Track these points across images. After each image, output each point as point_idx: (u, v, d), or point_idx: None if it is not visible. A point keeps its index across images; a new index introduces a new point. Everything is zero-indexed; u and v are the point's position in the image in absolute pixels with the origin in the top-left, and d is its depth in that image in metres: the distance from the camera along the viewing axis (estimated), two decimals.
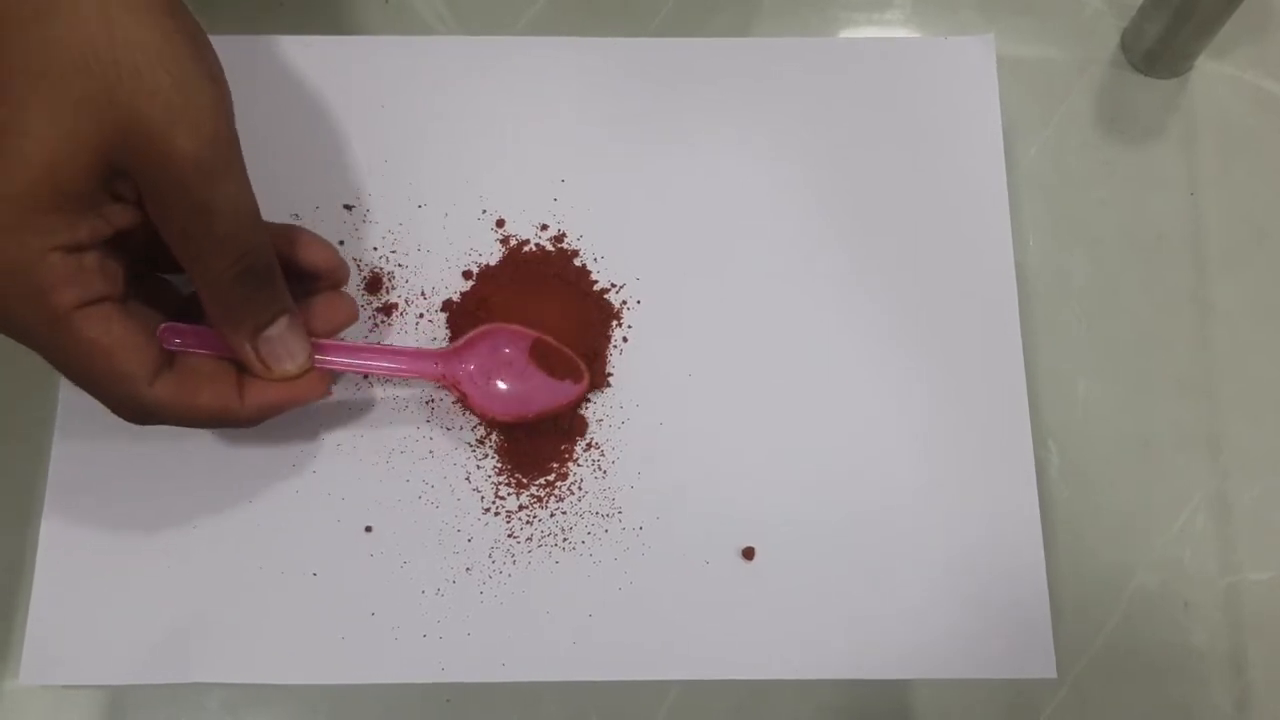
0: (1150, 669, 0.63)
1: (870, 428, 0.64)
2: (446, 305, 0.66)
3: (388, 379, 0.64)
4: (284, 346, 0.55)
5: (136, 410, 0.52)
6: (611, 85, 0.70)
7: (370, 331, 0.65)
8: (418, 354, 0.61)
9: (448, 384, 0.61)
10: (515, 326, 0.62)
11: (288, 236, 0.58)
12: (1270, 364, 0.67)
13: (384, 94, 0.69)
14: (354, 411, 0.64)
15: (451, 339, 0.64)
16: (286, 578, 0.61)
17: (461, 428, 0.64)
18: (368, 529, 0.62)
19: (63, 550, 0.62)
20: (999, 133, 0.69)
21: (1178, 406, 0.66)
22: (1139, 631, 0.63)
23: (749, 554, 0.62)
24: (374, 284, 0.66)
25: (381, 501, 0.62)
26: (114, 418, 0.62)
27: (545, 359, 0.62)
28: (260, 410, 0.56)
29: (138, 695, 0.61)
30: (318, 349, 0.58)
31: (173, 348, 0.54)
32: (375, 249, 0.67)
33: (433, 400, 0.64)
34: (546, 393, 0.62)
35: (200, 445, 0.63)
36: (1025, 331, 0.66)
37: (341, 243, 0.66)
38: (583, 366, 0.63)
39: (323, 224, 0.66)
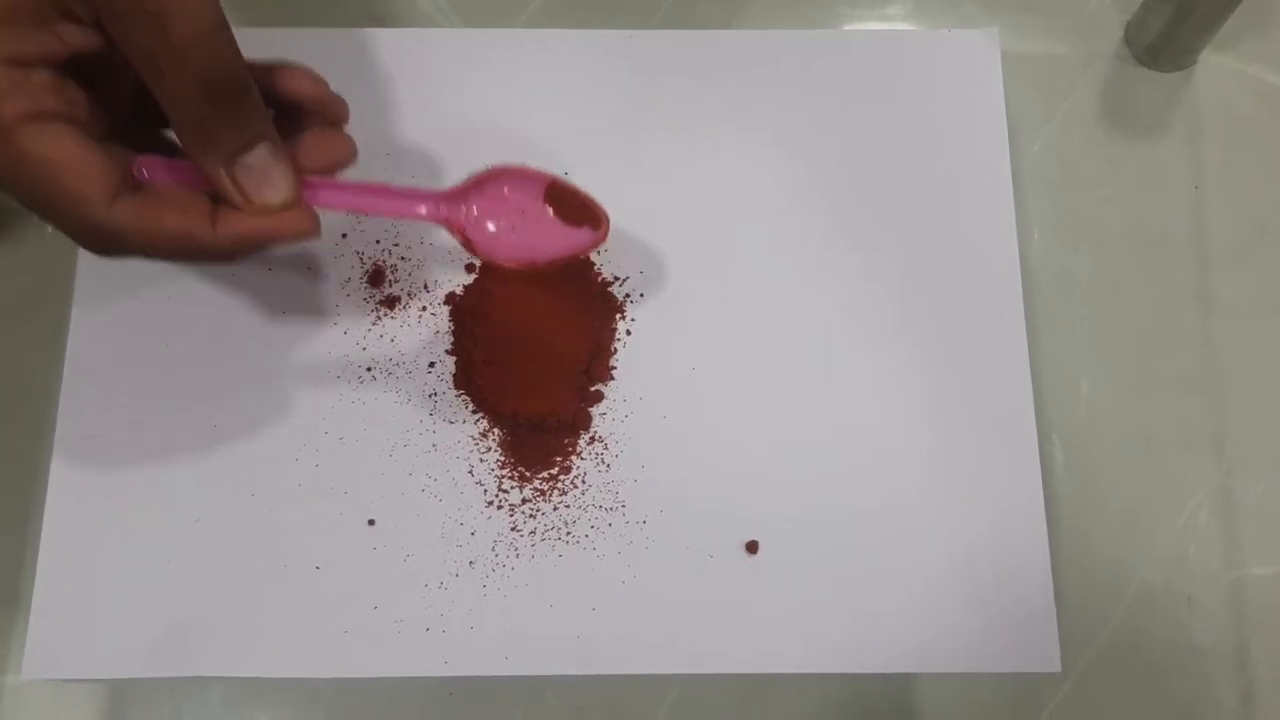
0: (1154, 665, 0.62)
1: (874, 423, 0.64)
2: (449, 298, 0.65)
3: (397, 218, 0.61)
4: (264, 175, 0.51)
5: (96, 236, 0.49)
6: (614, 78, 0.70)
7: (373, 324, 0.65)
8: (418, 194, 0.58)
9: (451, 226, 0.58)
10: (529, 169, 0.60)
11: (266, 68, 0.54)
12: (1274, 360, 0.67)
13: (386, 87, 0.69)
14: (357, 404, 0.64)
15: (454, 333, 0.64)
16: (289, 571, 0.61)
17: (465, 421, 0.63)
18: (370, 522, 0.62)
19: (65, 544, 0.62)
20: (1003, 127, 0.69)
21: (1181, 403, 0.66)
22: (1143, 627, 0.63)
23: (752, 548, 0.62)
24: (376, 277, 0.66)
25: (384, 495, 0.62)
26: (116, 410, 0.62)
27: (561, 204, 0.60)
28: (235, 241, 0.51)
29: (139, 690, 0.61)
30: (305, 185, 0.53)
31: (142, 179, 0.51)
32: (378, 242, 0.67)
33: (435, 393, 0.64)
34: (558, 239, 0.60)
35: (203, 439, 0.63)
36: (1029, 328, 0.66)
37: (344, 235, 0.66)
38: (604, 213, 0.61)
39: (325, 216, 0.64)
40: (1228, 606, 0.63)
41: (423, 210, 0.57)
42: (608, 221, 0.61)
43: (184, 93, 0.48)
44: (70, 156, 0.48)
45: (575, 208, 0.60)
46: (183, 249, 0.51)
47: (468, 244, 0.59)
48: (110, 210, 0.48)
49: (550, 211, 0.60)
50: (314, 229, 0.53)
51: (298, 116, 0.55)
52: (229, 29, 0.48)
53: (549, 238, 0.60)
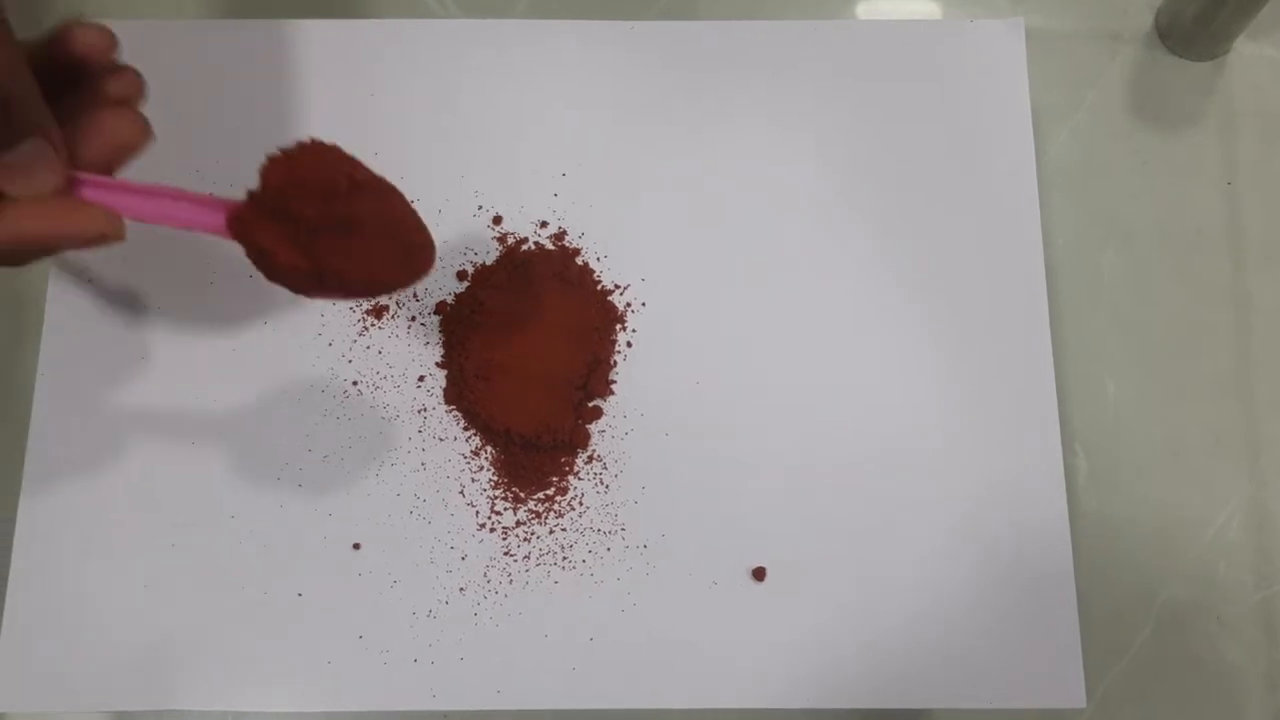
0: (1181, 686, 0.61)
1: (890, 439, 0.63)
2: (440, 308, 0.64)
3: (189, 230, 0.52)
4: (24, 171, 0.46)
5: None
6: (616, 72, 0.68)
7: (359, 335, 0.63)
8: (206, 201, 0.50)
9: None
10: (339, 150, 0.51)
11: (55, 31, 0.50)
12: None
13: (374, 81, 0.68)
14: (342, 421, 0.62)
15: (445, 345, 0.63)
16: (270, 598, 0.60)
17: (456, 438, 0.62)
18: (356, 546, 0.61)
19: (35, 569, 0.60)
20: (1028, 120, 0.67)
21: (1213, 409, 0.65)
22: (1169, 647, 0.62)
23: (759, 574, 0.60)
24: None
25: (371, 517, 0.61)
26: (89, 427, 0.61)
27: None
28: (15, 238, 0.46)
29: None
30: (81, 184, 0.48)
31: None
32: None
33: (425, 409, 0.62)
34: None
35: (180, 459, 0.62)
36: (1053, 330, 0.65)
37: None
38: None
39: None
40: (1259, 626, 0.62)
41: (208, 219, 0.50)
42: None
43: None
44: None
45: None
46: None
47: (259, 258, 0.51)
48: None
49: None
50: (112, 230, 0.48)
51: (91, 87, 0.50)
52: (5, 33, 0.44)
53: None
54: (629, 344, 0.63)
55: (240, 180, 0.64)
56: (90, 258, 0.63)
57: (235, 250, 0.59)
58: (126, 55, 0.65)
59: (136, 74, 0.51)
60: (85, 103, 0.50)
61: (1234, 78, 0.70)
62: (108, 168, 0.50)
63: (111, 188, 0.49)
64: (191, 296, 0.64)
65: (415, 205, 0.63)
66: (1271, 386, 0.65)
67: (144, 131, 0.51)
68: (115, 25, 0.66)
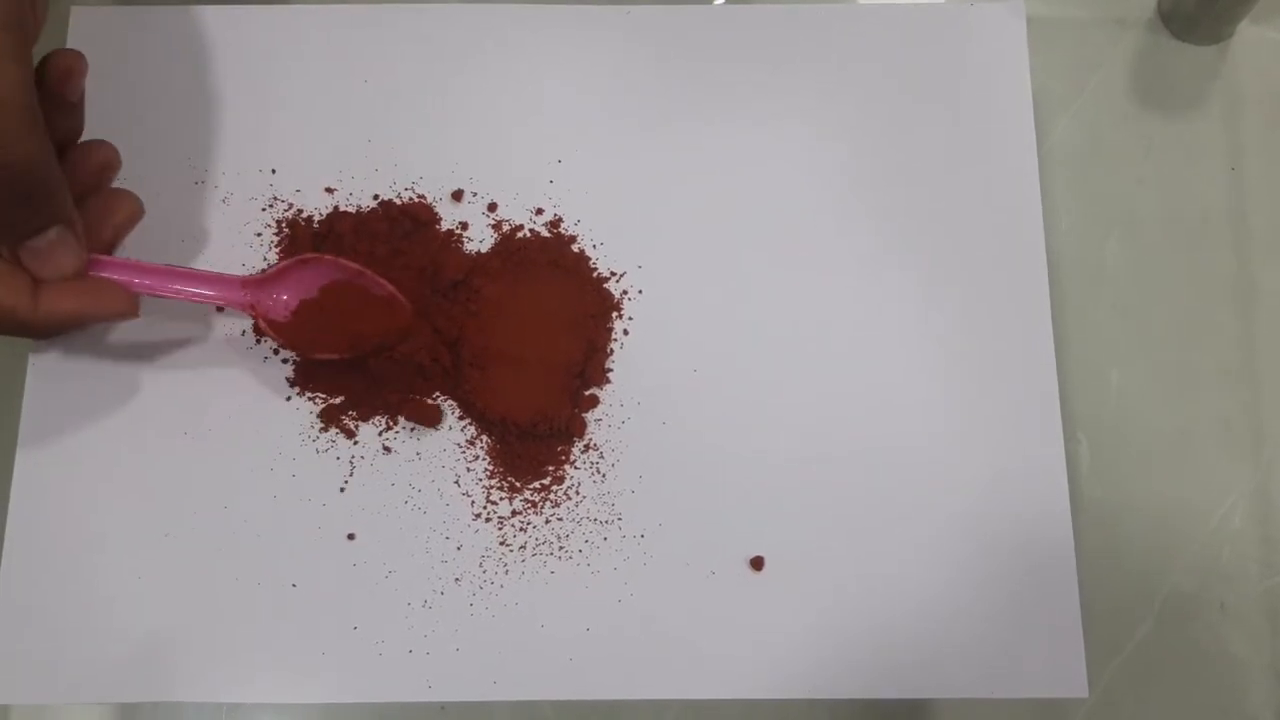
0: (1184, 676, 0.61)
1: (889, 427, 0.62)
2: None
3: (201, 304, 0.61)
4: (48, 258, 0.52)
5: None
6: (612, 57, 0.68)
7: None
8: (221, 279, 0.59)
9: (257, 315, 0.59)
10: (341, 260, 0.60)
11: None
12: None
13: (367, 68, 0.67)
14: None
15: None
16: (263, 589, 0.59)
17: (451, 427, 0.62)
18: (350, 537, 0.60)
19: (26, 559, 0.60)
20: (1029, 105, 0.67)
21: (1217, 397, 0.64)
22: (1172, 636, 0.61)
23: (758, 564, 0.60)
24: None
25: (365, 507, 0.60)
26: (81, 416, 0.61)
27: (366, 294, 0.60)
28: (53, 318, 0.53)
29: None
30: (100, 265, 0.55)
31: None
32: None
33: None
34: (369, 325, 0.60)
35: (173, 448, 0.61)
36: (1055, 318, 0.64)
37: None
38: (406, 305, 0.60)
39: (305, 208, 0.64)
40: (1263, 615, 0.62)
41: (225, 296, 0.59)
42: (410, 308, 0.60)
43: None
44: None
45: (380, 299, 0.60)
46: (3, 324, 0.52)
47: (275, 335, 0.60)
48: None
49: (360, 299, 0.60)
50: (132, 309, 0.55)
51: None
52: (36, 120, 0.47)
53: (360, 323, 0.60)
54: (625, 332, 0.63)
55: (230, 168, 0.64)
56: None
57: (228, 246, 0.60)
58: (117, 42, 0.65)
59: (114, 150, 0.57)
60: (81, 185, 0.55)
61: (1238, 61, 0.69)
62: (113, 245, 0.57)
63: (126, 267, 0.56)
64: None
65: (410, 193, 0.64)
66: (1276, 373, 0.64)
67: (141, 208, 0.58)
68: (104, 12, 0.66)
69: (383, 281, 0.59)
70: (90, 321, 0.55)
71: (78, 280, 0.53)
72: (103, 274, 0.55)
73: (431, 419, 0.60)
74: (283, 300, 0.59)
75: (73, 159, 0.55)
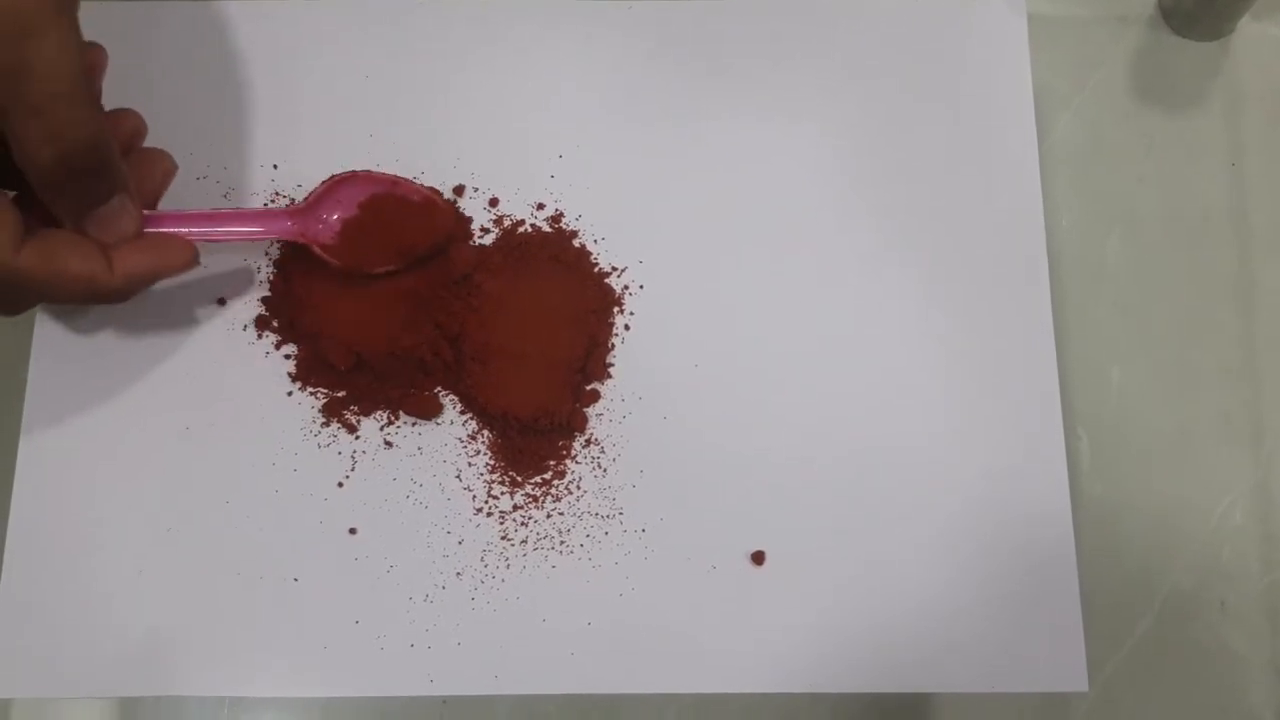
0: (1184, 673, 0.61)
1: (891, 423, 0.62)
2: None
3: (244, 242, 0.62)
4: (112, 224, 0.54)
5: (4, 285, 0.51)
6: (613, 52, 0.68)
7: None
8: (266, 214, 0.60)
9: (308, 241, 0.60)
10: (374, 172, 0.62)
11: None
12: None
13: (369, 63, 0.67)
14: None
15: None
16: (265, 583, 0.59)
17: (452, 422, 0.61)
18: (352, 531, 0.60)
19: (29, 556, 0.60)
20: (1030, 101, 0.67)
21: (1218, 395, 0.64)
22: (1172, 632, 0.61)
23: (759, 558, 0.60)
24: None
25: (367, 502, 0.60)
26: (83, 410, 0.61)
27: (405, 201, 0.62)
28: (129, 279, 0.54)
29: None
30: (156, 221, 0.57)
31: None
32: None
33: None
34: (415, 231, 0.62)
35: (175, 443, 0.61)
36: (1056, 315, 0.64)
37: None
38: (446, 204, 0.63)
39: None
40: (1263, 612, 0.62)
41: (274, 229, 0.60)
42: (451, 211, 0.63)
43: (35, 154, 0.48)
44: None
45: (418, 204, 0.62)
46: (84, 291, 0.53)
47: (327, 257, 0.60)
48: (18, 256, 0.50)
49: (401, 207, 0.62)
50: (195, 258, 0.57)
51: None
52: (90, 89, 0.48)
53: (405, 232, 0.61)
54: (627, 327, 0.63)
55: (232, 162, 0.64)
56: None
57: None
58: (119, 36, 0.65)
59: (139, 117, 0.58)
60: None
61: (1239, 58, 0.69)
62: (154, 203, 0.58)
63: (178, 218, 0.58)
64: (185, 280, 0.63)
65: None
66: (1277, 371, 0.64)
67: (175, 164, 0.59)
68: (105, 6, 0.66)
69: (418, 186, 0.61)
70: (161, 276, 0.56)
71: (140, 239, 0.55)
72: (160, 229, 0.56)
73: (431, 411, 0.61)
74: (329, 221, 0.60)
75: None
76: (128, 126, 0.56)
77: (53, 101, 0.47)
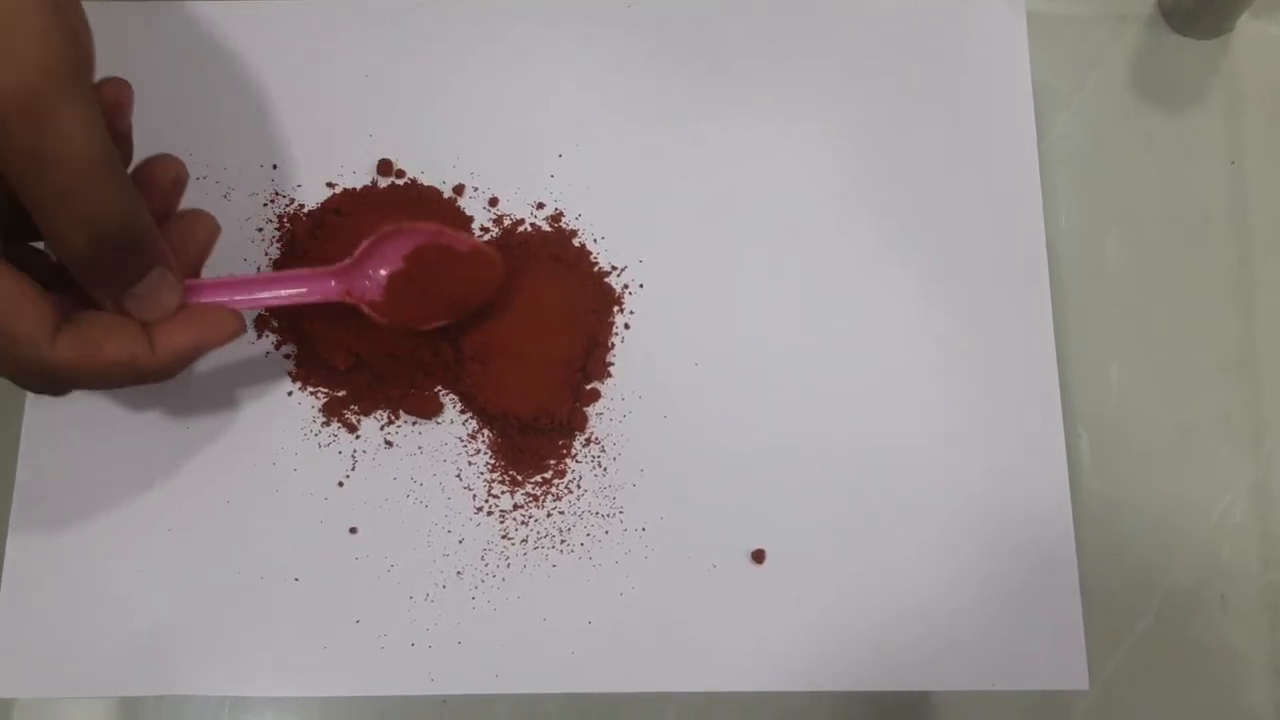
0: (1184, 670, 0.61)
1: (891, 421, 0.62)
2: None
3: (289, 307, 0.60)
4: (151, 301, 0.51)
5: (42, 375, 0.48)
6: (613, 52, 0.68)
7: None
8: (311, 275, 0.57)
9: (355, 301, 0.57)
10: (419, 224, 0.58)
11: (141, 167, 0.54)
12: None
13: (368, 63, 0.67)
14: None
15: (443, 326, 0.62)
16: (266, 583, 0.59)
17: (453, 421, 0.61)
18: (352, 530, 0.60)
19: (30, 556, 0.60)
20: (1029, 99, 0.67)
21: (1218, 392, 0.64)
22: (1173, 630, 0.61)
23: (759, 557, 0.60)
24: None
25: (367, 501, 0.60)
26: (84, 411, 0.61)
27: (454, 254, 0.59)
28: (174, 358, 0.51)
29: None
30: (197, 290, 0.54)
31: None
32: None
33: None
34: (462, 287, 0.59)
35: (175, 443, 0.61)
36: (1056, 314, 0.64)
37: None
38: (494, 254, 0.60)
39: (307, 203, 0.64)
40: (1263, 610, 0.62)
41: (320, 291, 0.57)
42: (500, 259, 0.60)
43: (66, 238, 0.46)
44: (10, 296, 0.46)
45: (465, 255, 0.59)
46: (126, 375, 0.50)
47: (375, 315, 0.58)
48: (53, 348, 0.47)
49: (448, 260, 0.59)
50: (242, 327, 0.54)
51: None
52: (118, 167, 0.46)
53: (453, 285, 0.59)
54: (626, 326, 0.63)
55: (231, 163, 0.64)
56: None
57: (230, 241, 0.59)
58: (119, 37, 0.65)
59: (182, 164, 0.55)
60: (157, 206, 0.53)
61: (1238, 57, 0.69)
62: (197, 268, 0.55)
63: (221, 286, 0.55)
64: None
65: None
66: (1276, 369, 0.64)
67: (218, 226, 0.55)
68: (105, 7, 0.66)
69: (463, 236, 0.59)
70: (206, 350, 0.53)
71: (182, 312, 0.52)
72: (203, 299, 0.54)
73: (431, 410, 0.61)
74: (375, 277, 0.58)
75: (143, 180, 0.53)
76: (169, 175, 0.54)
77: (79, 184, 0.44)
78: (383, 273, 0.58)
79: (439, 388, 0.61)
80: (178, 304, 0.52)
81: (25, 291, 0.47)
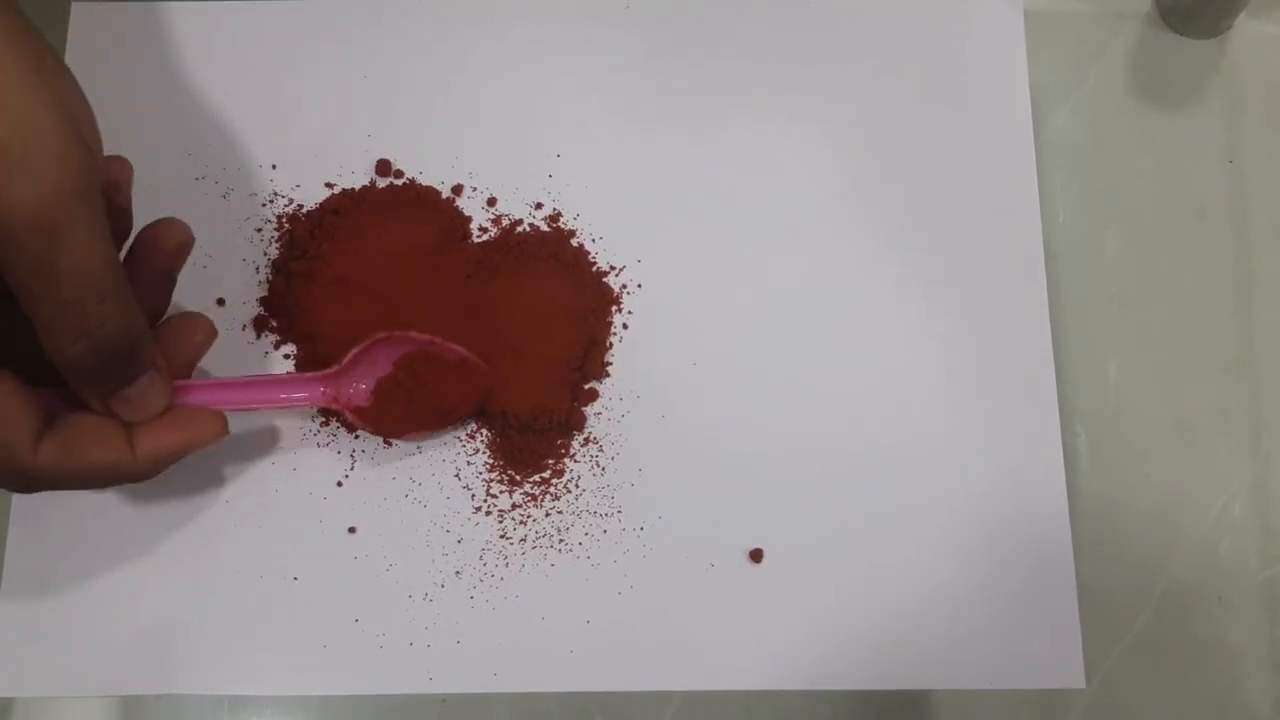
0: (1183, 668, 0.61)
1: (888, 419, 0.62)
2: None
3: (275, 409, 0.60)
4: (139, 403, 0.51)
5: (20, 480, 0.49)
6: (611, 51, 0.67)
7: None
8: (298, 380, 0.58)
9: (341, 407, 0.58)
10: (410, 333, 0.58)
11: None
12: None
13: (367, 63, 0.67)
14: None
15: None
16: (265, 582, 0.59)
17: None
18: (351, 530, 0.60)
19: (30, 553, 0.60)
20: (1026, 97, 0.67)
21: (1216, 389, 0.64)
22: (1171, 628, 0.61)
23: (757, 556, 0.60)
24: None
25: (366, 501, 0.60)
26: None
27: (440, 362, 0.59)
28: (154, 460, 0.52)
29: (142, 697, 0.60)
30: (185, 391, 0.54)
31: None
32: None
33: None
34: (451, 397, 0.60)
35: None
36: (1053, 310, 0.64)
37: None
38: (482, 365, 0.60)
39: (306, 203, 0.64)
40: (1261, 606, 0.62)
41: (306, 397, 0.58)
42: (488, 370, 0.60)
43: (64, 347, 0.47)
44: None
45: (453, 364, 0.59)
46: (106, 479, 0.51)
47: (361, 423, 0.59)
48: (35, 455, 0.48)
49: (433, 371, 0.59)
50: (224, 431, 0.54)
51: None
52: (120, 278, 0.47)
53: (440, 395, 0.59)
54: (625, 326, 0.63)
55: (230, 163, 0.64)
56: None
57: (229, 241, 0.59)
58: (119, 37, 0.64)
59: (183, 227, 0.54)
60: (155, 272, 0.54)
61: (1236, 55, 0.69)
62: (189, 369, 0.55)
63: (207, 389, 0.55)
64: (187, 281, 0.61)
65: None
66: (1274, 365, 0.64)
67: (214, 330, 0.56)
68: (104, 8, 0.66)
69: (454, 346, 0.59)
70: (188, 453, 0.53)
71: (168, 414, 0.52)
72: (190, 400, 0.54)
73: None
74: (361, 388, 0.58)
75: (147, 243, 0.53)
76: (173, 240, 0.53)
77: (82, 297, 0.45)
78: (363, 385, 0.58)
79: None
80: (165, 406, 0.52)
81: (11, 397, 0.47)
